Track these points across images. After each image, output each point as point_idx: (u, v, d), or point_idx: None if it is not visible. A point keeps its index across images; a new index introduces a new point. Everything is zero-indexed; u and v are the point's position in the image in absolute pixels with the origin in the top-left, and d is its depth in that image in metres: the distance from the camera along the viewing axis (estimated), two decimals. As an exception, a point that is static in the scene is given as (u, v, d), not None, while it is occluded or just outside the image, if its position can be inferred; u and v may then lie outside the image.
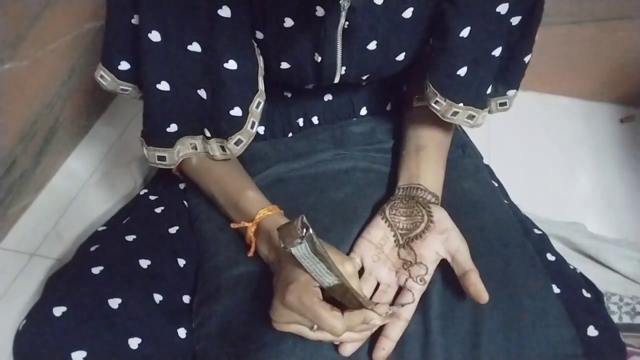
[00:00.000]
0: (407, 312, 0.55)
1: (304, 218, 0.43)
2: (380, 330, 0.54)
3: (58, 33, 0.99)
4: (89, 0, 1.05)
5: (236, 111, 0.59)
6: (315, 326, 0.48)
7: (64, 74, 1.04)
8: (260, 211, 0.60)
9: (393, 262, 0.58)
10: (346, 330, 0.48)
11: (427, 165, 0.64)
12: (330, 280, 0.47)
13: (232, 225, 0.62)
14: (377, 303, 0.55)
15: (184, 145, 0.63)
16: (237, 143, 0.61)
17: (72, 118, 1.10)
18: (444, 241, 0.57)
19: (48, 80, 1.00)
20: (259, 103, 0.60)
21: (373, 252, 0.58)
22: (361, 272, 0.58)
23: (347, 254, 0.59)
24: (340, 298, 0.49)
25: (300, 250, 0.43)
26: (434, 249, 0.57)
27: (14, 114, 0.93)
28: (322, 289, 0.49)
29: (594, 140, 1.18)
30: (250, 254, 0.60)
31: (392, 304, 0.57)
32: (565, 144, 1.17)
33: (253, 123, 0.61)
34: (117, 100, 1.25)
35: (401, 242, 0.59)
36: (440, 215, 0.59)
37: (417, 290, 0.56)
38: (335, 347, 0.54)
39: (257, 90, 0.60)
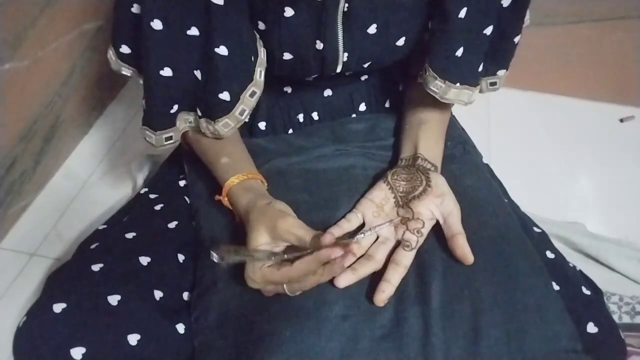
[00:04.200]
0: (407, 259, 0.57)
1: (214, 255, 0.53)
2: (380, 276, 0.56)
3: (58, 33, 0.99)
4: (89, 0, 1.06)
5: (224, 95, 0.60)
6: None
7: (64, 74, 1.04)
8: (229, 180, 0.63)
9: (392, 219, 0.60)
10: (310, 267, 0.52)
11: (428, 138, 0.68)
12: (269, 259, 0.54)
13: (216, 198, 0.65)
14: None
15: (181, 120, 0.66)
16: (224, 126, 0.63)
17: (72, 118, 1.10)
18: (439, 204, 0.60)
19: (48, 80, 1.00)
20: (253, 92, 0.62)
21: (374, 209, 0.61)
22: (362, 227, 0.61)
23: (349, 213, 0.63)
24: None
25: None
26: (430, 209, 0.60)
27: (14, 114, 0.93)
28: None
29: (594, 140, 1.18)
30: (238, 220, 0.63)
31: (390, 256, 0.59)
32: (565, 144, 1.17)
33: (243, 110, 0.62)
34: (117, 100, 1.25)
35: (400, 203, 0.61)
36: (438, 181, 0.62)
37: (413, 241, 0.58)
38: (335, 335, 0.53)
39: (252, 80, 0.61)
